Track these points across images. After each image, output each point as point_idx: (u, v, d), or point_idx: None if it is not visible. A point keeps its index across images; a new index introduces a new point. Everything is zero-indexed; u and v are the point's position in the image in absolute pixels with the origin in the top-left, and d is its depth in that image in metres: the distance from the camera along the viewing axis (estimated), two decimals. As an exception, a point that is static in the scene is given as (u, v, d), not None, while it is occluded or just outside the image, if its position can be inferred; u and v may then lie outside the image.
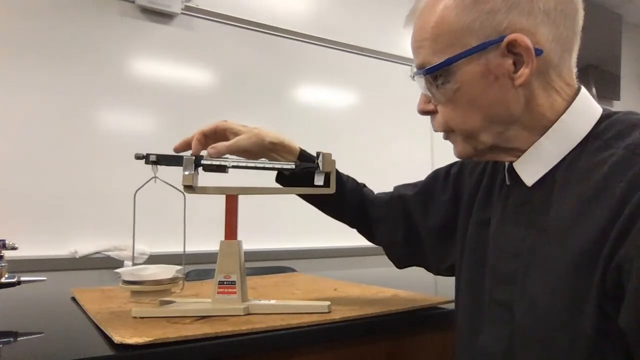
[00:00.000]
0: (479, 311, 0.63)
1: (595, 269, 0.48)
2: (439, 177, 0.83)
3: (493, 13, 0.54)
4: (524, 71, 0.54)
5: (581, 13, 0.57)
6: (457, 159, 0.70)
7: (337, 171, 0.87)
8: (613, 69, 3.44)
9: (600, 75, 3.29)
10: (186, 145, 0.80)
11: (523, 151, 0.59)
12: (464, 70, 0.56)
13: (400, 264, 0.90)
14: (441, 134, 0.64)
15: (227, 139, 0.80)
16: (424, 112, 0.64)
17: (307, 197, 0.87)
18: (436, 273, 0.84)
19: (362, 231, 0.92)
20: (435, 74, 0.57)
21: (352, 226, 0.92)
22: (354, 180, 0.91)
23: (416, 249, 0.84)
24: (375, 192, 0.93)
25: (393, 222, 0.86)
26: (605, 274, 0.47)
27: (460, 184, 0.77)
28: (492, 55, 0.54)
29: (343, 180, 0.88)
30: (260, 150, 0.80)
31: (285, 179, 0.86)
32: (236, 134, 0.80)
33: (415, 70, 0.61)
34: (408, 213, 0.85)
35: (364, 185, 0.92)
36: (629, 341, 0.46)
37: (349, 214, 0.90)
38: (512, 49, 0.54)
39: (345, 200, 0.87)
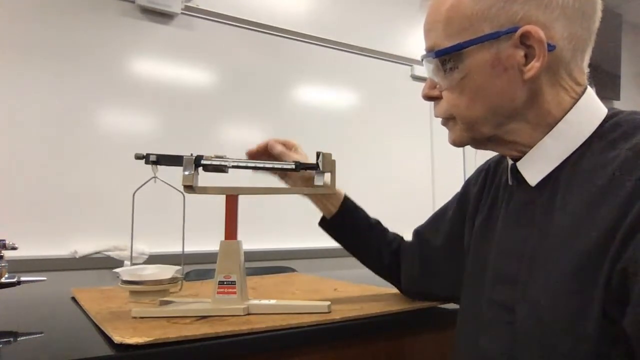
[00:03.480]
0: (479, 312, 0.63)
1: (599, 272, 0.47)
2: (449, 203, 0.83)
3: (510, 2, 0.53)
4: (534, 65, 0.53)
5: (599, 14, 0.57)
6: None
7: (379, 222, 0.91)
8: (613, 69, 3.44)
9: (600, 75, 3.29)
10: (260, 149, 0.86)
11: (524, 146, 0.58)
12: (474, 57, 0.55)
13: (424, 297, 0.87)
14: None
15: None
16: (428, 98, 0.63)
17: (348, 244, 0.91)
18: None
19: (394, 282, 0.92)
20: (444, 58, 0.57)
21: (387, 278, 0.92)
22: (393, 232, 0.92)
23: (434, 275, 0.82)
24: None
25: (410, 257, 0.86)
26: (610, 277, 0.46)
27: (467, 196, 0.77)
28: (504, 45, 0.54)
29: (384, 231, 0.91)
30: (305, 180, 0.85)
31: (327, 223, 0.89)
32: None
33: (425, 53, 0.60)
34: (421, 241, 0.84)
35: (402, 238, 0.92)
36: (634, 345, 0.45)
37: (385, 264, 0.90)
38: (525, 41, 0.53)
39: (383, 251, 0.89)
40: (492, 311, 0.61)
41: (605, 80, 3.37)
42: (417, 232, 0.87)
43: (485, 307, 0.62)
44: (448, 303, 0.86)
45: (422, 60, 0.60)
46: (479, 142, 0.61)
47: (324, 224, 0.90)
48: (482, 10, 0.54)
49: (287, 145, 0.86)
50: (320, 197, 0.87)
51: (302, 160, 0.82)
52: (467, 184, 0.79)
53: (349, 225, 0.89)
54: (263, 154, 0.86)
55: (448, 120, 0.62)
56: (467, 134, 0.60)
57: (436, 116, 0.63)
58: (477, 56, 0.55)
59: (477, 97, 0.57)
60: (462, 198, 0.78)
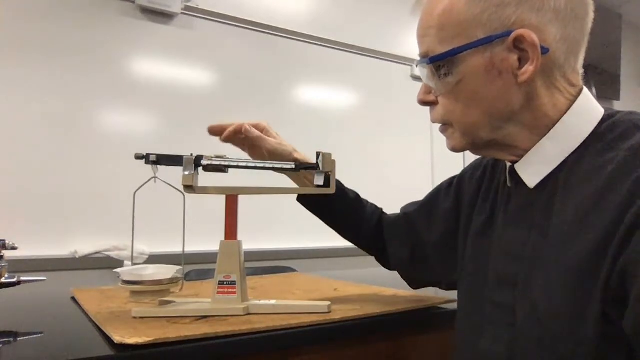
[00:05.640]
0: (479, 313, 0.63)
1: (599, 273, 0.47)
2: (441, 190, 0.83)
3: (503, 6, 0.53)
4: (528, 68, 0.53)
5: (591, 16, 0.57)
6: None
7: (358, 195, 0.89)
8: (613, 69, 3.44)
9: (600, 75, 3.28)
10: (221, 129, 0.85)
11: (524, 151, 0.58)
12: (468, 62, 0.55)
13: (413, 283, 0.89)
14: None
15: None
16: (423, 103, 0.63)
17: (326, 219, 0.88)
18: (447, 288, 0.83)
19: (378, 257, 0.92)
20: (438, 63, 0.57)
21: (369, 252, 0.92)
22: (373, 204, 0.92)
23: (424, 264, 0.83)
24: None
25: (399, 240, 0.86)
26: (609, 278, 0.46)
27: (462, 191, 0.77)
28: (497, 49, 0.54)
29: (363, 204, 0.90)
30: (281, 158, 0.83)
31: (306, 200, 0.88)
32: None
33: (419, 58, 0.60)
34: (412, 229, 0.84)
35: (382, 210, 0.93)
36: (633, 346, 0.45)
37: (365, 238, 0.90)
38: (519, 44, 0.53)
39: (363, 224, 0.88)
40: (493, 312, 0.61)
41: (605, 80, 3.37)
42: (407, 218, 0.86)
43: (486, 308, 0.62)
44: (438, 287, 0.86)
45: (417, 65, 0.60)
46: (478, 148, 0.61)
47: (302, 198, 0.88)
48: (475, 15, 0.54)
49: (259, 128, 0.84)
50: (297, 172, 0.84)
51: (276, 145, 0.83)
52: (463, 177, 0.78)
53: (326, 199, 0.85)
54: (235, 137, 0.84)
55: (446, 127, 0.62)
56: (465, 139, 0.60)
57: (433, 121, 0.63)
58: (471, 61, 0.55)
59: (473, 102, 0.57)
60: (457, 192, 0.78)
